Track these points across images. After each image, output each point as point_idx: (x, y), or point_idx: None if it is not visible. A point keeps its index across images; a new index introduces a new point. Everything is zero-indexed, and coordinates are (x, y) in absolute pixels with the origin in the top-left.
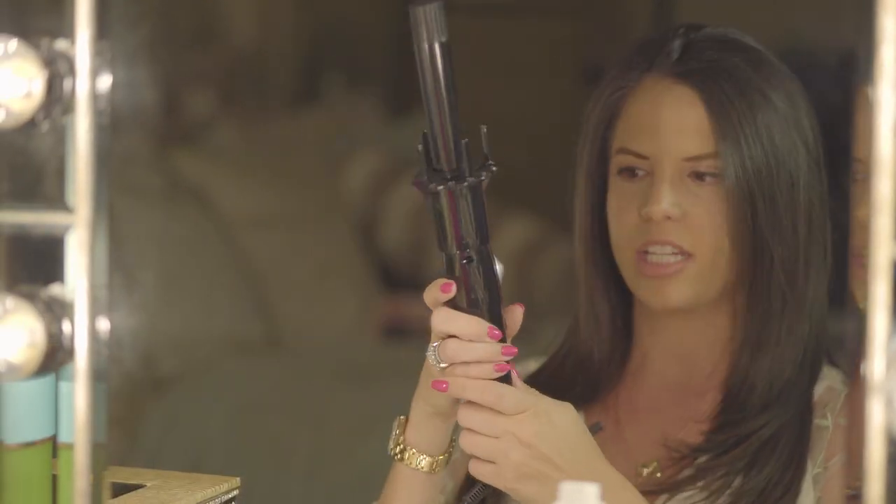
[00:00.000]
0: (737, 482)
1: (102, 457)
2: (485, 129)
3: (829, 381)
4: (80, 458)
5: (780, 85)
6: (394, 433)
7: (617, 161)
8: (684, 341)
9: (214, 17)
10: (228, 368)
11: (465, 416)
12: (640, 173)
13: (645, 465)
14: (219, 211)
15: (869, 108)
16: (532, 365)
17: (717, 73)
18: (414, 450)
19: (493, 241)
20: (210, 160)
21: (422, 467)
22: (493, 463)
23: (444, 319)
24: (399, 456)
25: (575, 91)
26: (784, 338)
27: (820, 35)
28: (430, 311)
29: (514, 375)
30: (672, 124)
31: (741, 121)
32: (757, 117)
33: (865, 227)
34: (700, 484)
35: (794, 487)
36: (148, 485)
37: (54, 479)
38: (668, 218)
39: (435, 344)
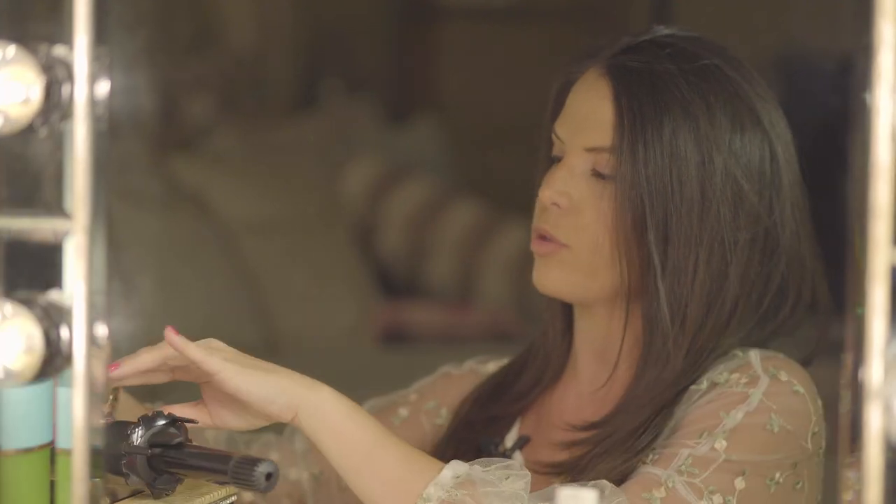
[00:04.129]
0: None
1: (100, 462)
2: None
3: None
4: (78, 463)
5: (719, 106)
6: None
7: (552, 146)
8: (587, 338)
9: (213, 22)
10: None
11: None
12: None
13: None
14: (217, 216)
15: (867, 113)
16: (491, 366)
17: (640, 74)
18: None
19: (492, 247)
20: (208, 166)
21: None
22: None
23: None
24: None
25: None
26: (669, 356)
27: (818, 41)
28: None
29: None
30: (584, 113)
31: (644, 124)
32: (664, 126)
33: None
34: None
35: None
36: (145, 490)
37: (52, 485)
38: (555, 204)
39: None
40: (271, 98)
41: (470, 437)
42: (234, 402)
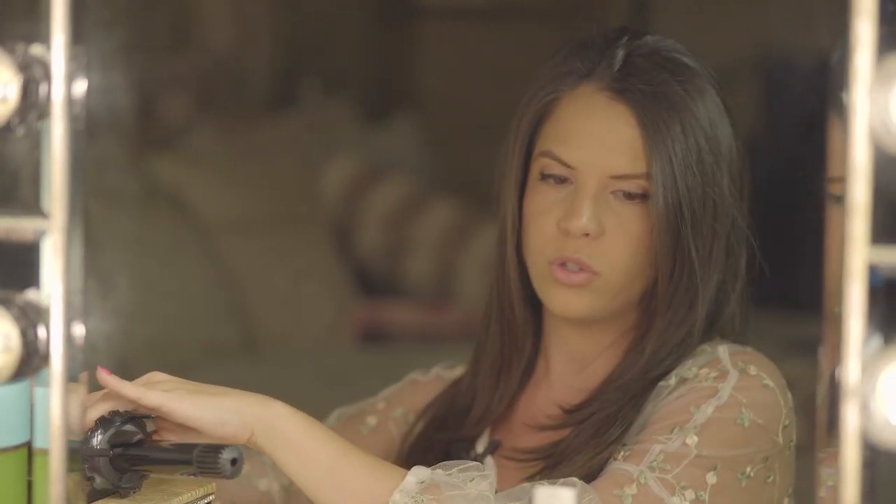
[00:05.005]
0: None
1: (78, 462)
2: None
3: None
4: (56, 463)
5: (708, 109)
6: None
7: (540, 164)
8: (578, 351)
9: (191, 21)
10: (205, 373)
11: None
12: (566, 179)
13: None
14: (195, 215)
15: (844, 113)
16: (457, 371)
17: (656, 96)
18: None
19: (471, 246)
20: (187, 165)
21: None
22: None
23: None
24: None
25: None
26: (665, 348)
27: (795, 41)
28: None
29: None
30: (604, 140)
31: (675, 145)
32: (688, 141)
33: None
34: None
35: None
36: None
37: (29, 484)
38: (586, 234)
39: None
40: (249, 97)
41: (438, 443)
42: (188, 430)
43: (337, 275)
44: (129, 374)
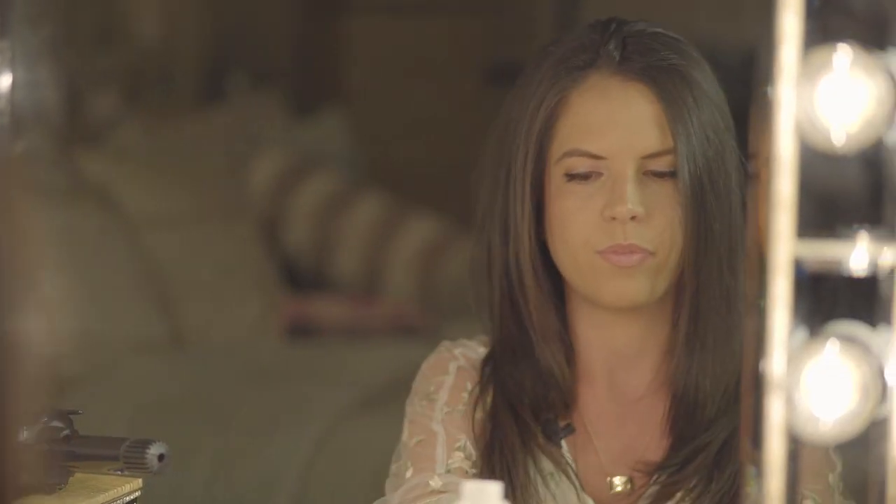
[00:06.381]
0: (700, 490)
1: None
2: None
3: None
4: None
5: (707, 77)
6: None
7: (564, 166)
8: (628, 343)
9: (117, 16)
10: (131, 369)
11: None
12: (593, 174)
13: (615, 478)
14: (122, 210)
15: (769, 107)
16: (481, 350)
17: (666, 70)
18: None
19: (398, 240)
20: (114, 160)
21: None
22: None
23: None
24: None
25: (480, 91)
26: (726, 336)
27: (722, 34)
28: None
29: None
30: (629, 122)
31: (691, 116)
32: (702, 112)
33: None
34: (669, 502)
35: None
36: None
37: None
38: (634, 217)
39: None
40: (177, 92)
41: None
42: None
43: (265, 269)
44: (54, 369)
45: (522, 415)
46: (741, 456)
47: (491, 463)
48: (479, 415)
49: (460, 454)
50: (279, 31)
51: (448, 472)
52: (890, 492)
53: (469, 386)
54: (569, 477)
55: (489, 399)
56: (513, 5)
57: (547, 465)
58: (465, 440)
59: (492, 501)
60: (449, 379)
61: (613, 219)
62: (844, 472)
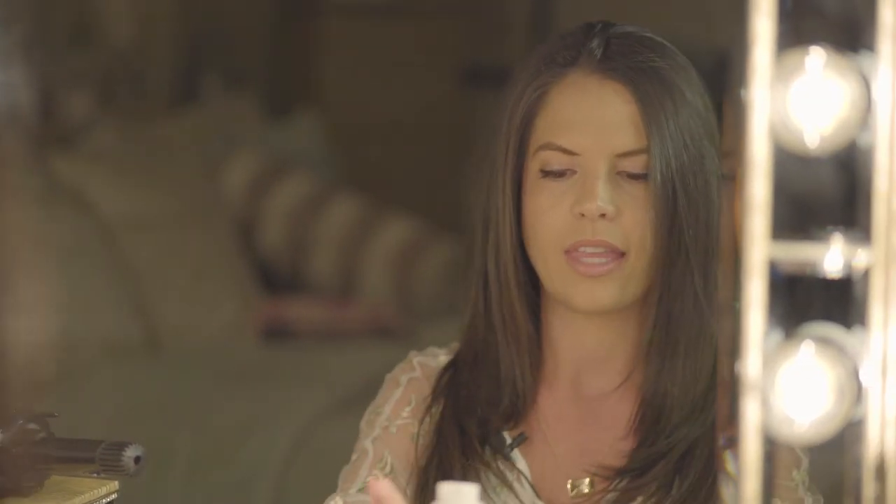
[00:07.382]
0: (660, 496)
1: None
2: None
3: None
4: None
5: (692, 83)
6: None
7: (539, 160)
8: (598, 346)
9: (91, 17)
10: (107, 371)
11: None
12: (567, 171)
13: (574, 482)
14: (97, 213)
15: (742, 109)
16: (442, 358)
17: (645, 72)
18: None
19: (373, 242)
20: (88, 162)
21: None
22: None
23: None
24: None
25: (454, 92)
26: (697, 342)
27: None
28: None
29: None
30: (604, 120)
31: (667, 119)
32: (680, 117)
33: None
34: None
35: (714, 494)
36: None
37: None
38: (603, 215)
39: None
40: (151, 93)
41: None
42: None
43: (240, 272)
44: (29, 372)
45: (468, 429)
46: (716, 456)
47: (427, 474)
48: (426, 427)
49: (379, 473)
50: (253, 32)
51: (360, 490)
52: (866, 493)
53: (413, 400)
54: (514, 490)
55: (439, 410)
56: (488, 7)
57: (493, 478)
58: (389, 458)
59: (468, 502)
60: (398, 392)
61: (582, 216)
62: (817, 471)
